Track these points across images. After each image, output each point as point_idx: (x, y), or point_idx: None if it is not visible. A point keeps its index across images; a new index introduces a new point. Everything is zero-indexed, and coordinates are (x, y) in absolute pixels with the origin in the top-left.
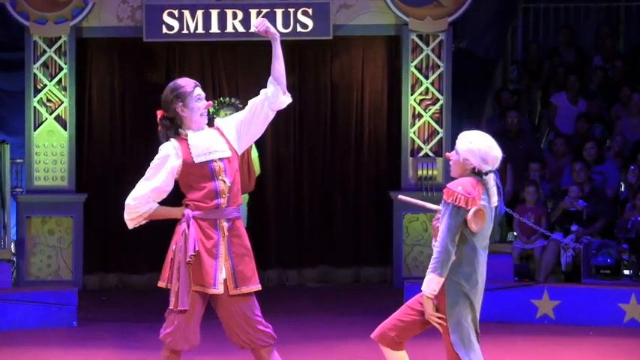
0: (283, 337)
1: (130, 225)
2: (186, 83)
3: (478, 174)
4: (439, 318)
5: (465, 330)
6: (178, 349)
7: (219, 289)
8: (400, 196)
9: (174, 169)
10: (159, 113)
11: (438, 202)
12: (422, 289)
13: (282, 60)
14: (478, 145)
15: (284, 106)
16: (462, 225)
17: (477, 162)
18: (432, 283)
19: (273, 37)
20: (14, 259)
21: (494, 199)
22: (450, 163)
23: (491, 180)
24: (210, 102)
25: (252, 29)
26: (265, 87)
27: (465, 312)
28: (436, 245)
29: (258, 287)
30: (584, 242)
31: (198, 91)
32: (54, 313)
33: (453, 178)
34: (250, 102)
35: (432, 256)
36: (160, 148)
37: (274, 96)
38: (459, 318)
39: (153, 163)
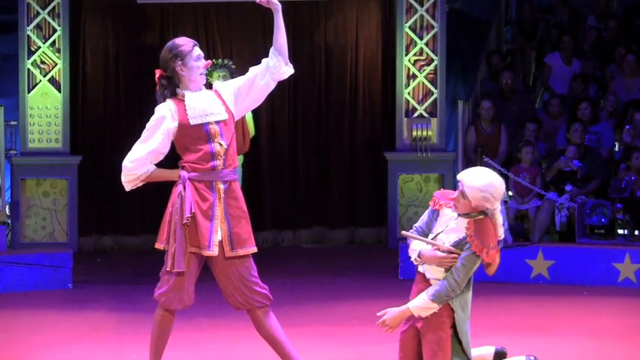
0: (279, 298)
1: (128, 187)
2: (185, 42)
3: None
4: (387, 327)
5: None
6: (172, 308)
7: (214, 251)
8: (403, 232)
9: (169, 131)
10: (157, 72)
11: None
12: (411, 305)
13: (284, 31)
14: (491, 191)
15: (286, 77)
16: None
17: (491, 205)
18: (426, 310)
19: (274, 8)
20: (9, 221)
21: (500, 232)
22: (456, 202)
23: (498, 212)
24: (210, 61)
25: None
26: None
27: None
28: (443, 276)
29: (255, 249)
30: (578, 202)
31: (198, 50)
32: (49, 275)
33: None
34: (251, 69)
35: (436, 287)
36: (156, 109)
37: (276, 67)
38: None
39: (148, 125)
